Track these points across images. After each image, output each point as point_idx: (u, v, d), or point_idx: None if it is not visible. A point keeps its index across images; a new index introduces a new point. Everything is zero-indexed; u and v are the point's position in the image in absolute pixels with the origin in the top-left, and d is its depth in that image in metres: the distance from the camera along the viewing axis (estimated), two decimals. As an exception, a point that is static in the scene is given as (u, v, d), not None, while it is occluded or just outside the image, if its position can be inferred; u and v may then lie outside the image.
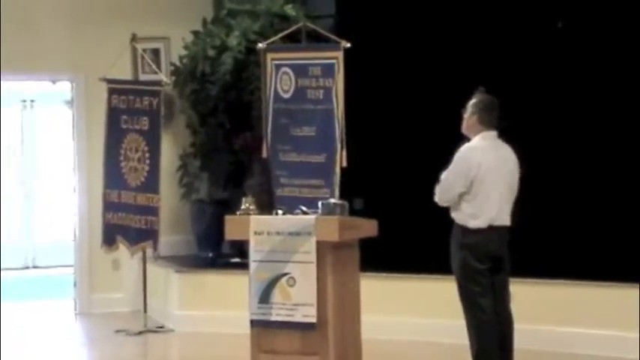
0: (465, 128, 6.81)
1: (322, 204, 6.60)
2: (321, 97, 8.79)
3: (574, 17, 9.24)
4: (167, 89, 10.33)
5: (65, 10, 10.79)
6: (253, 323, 6.56)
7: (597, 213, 8.93)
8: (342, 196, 7.98)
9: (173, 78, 10.68)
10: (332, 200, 6.86)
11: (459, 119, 6.82)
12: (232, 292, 8.93)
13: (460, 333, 6.84)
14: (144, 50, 10.51)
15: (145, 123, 9.78)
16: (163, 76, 10.26)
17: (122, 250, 10.07)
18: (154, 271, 10.18)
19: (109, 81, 10.03)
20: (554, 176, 9.11)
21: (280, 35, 9.32)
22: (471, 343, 6.70)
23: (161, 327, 9.82)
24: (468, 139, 6.75)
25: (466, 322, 6.71)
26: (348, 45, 8.60)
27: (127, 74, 10.33)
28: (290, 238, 6.41)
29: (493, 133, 6.76)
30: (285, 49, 9.15)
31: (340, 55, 8.63)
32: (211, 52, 10.31)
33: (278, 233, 6.46)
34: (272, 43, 9.18)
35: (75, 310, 10.95)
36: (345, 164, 8.61)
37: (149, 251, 9.89)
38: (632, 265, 8.27)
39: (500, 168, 6.68)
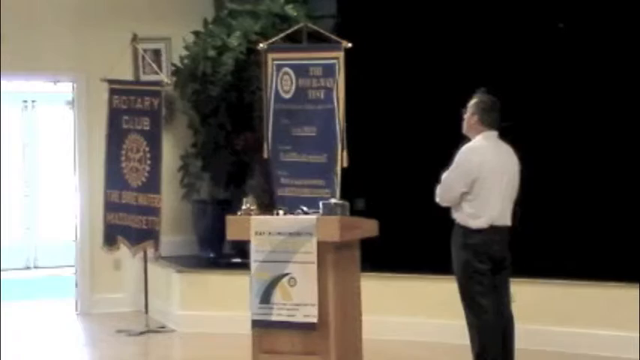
0: (465, 128, 6.81)
1: (323, 204, 6.60)
2: (322, 97, 8.79)
3: (575, 18, 9.24)
4: (168, 89, 10.34)
5: (66, 11, 10.79)
6: (254, 323, 6.56)
7: (597, 213, 8.94)
8: (342, 197, 7.97)
9: (174, 78, 10.68)
10: (333, 200, 6.85)
11: (459, 119, 6.83)
12: (233, 293, 8.93)
13: (461, 333, 6.84)
14: (145, 51, 10.52)
15: (146, 123, 9.78)
16: (164, 77, 10.27)
17: (123, 250, 10.08)
18: (155, 271, 10.18)
19: (110, 81, 10.04)
20: (555, 176, 9.11)
21: (281, 35, 9.33)
22: (473, 343, 6.69)
23: (162, 327, 9.82)
24: (468, 140, 6.75)
25: (467, 323, 6.71)
26: (349, 45, 8.59)
27: (128, 75, 10.34)
28: (291, 238, 6.41)
29: (494, 133, 6.76)
30: (286, 50, 9.14)
31: (341, 55, 8.63)
32: (212, 53, 10.31)
33: (279, 233, 6.47)
34: (273, 43, 9.18)
35: (76, 310, 10.96)
36: (345, 164, 8.61)
37: (150, 251, 9.88)
38: (632, 264, 8.27)
39: (501, 168, 6.69)
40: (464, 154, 6.65)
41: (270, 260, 6.46)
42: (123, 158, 9.89)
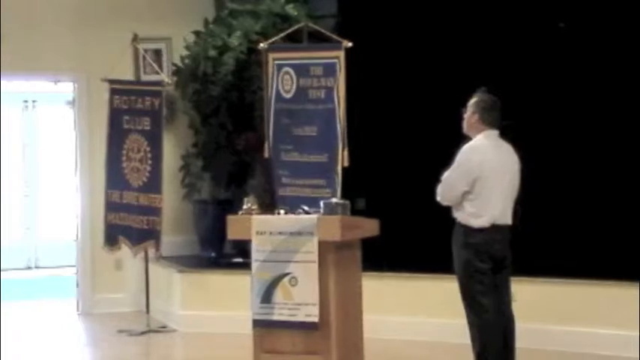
0: (466, 128, 6.81)
1: (324, 204, 6.60)
2: (322, 96, 8.79)
3: (575, 17, 9.24)
4: (169, 89, 10.35)
5: (67, 11, 10.80)
6: (255, 323, 6.55)
7: (597, 212, 8.94)
8: (343, 196, 7.97)
9: (175, 78, 10.69)
10: (334, 200, 6.85)
11: (460, 119, 6.83)
12: (234, 292, 8.94)
13: (462, 332, 6.84)
14: (145, 50, 10.52)
15: (146, 123, 9.79)
16: (165, 77, 10.27)
17: (124, 250, 10.08)
18: (157, 271, 10.19)
19: (111, 81, 10.04)
20: (555, 175, 9.11)
21: (282, 35, 9.32)
22: (474, 342, 6.70)
23: (164, 327, 9.83)
24: (469, 139, 6.75)
25: (468, 322, 6.71)
26: (350, 44, 8.58)
27: (128, 75, 10.34)
28: (292, 237, 6.41)
29: (495, 132, 6.76)
30: (287, 49, 9.14)
31: (342, 54, 8.62)
32: (213, 52, 10.32)
33: (280, 233, 6.47)
34: (273, 43, 9.18)
35: (77, 310, 10.96)
36: (346, 164, 8.60)
37: (151, 251, 9.88)
38: (632, 263, 8.27)
39: (502, 167, 6.69)
40: (465, 153, 6.65)
41: (271, 260, 6.46)
42: (124, 158, 9.89)
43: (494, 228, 6.63)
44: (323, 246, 6.35)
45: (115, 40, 10.31)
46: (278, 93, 8.98)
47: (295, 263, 6.40)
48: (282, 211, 6.70)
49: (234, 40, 10.24)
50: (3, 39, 10.28)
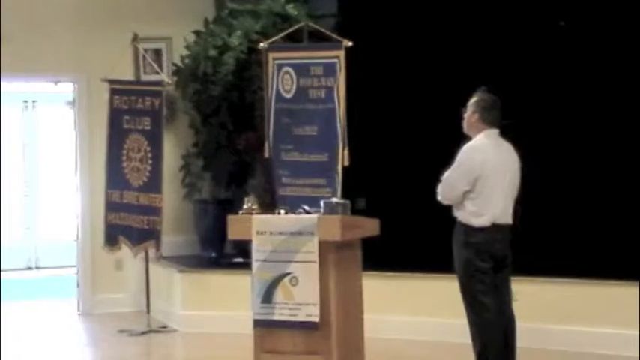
0: (466, 127, 6.81)
1: (324, 203, 6.60)
2: (322, 96, 8.78)
3: (576, 16, 9.24)
4: (169, 89, 10.35)
5: (67, 11, 10.79)
6: (256, 323, 6.55)
7: (598, 211, 8.94)
8: (344, 196, 7.97)
9: (175, 78, 10.69)
10: (334, 199, 6.85)
11: (460, 118, 6.83)
12: (235, 292, 8.94)
13: (463, 332, 6.84)
14: (145, 50, 10.52)
15: (147, 123, 9.78)
16: (165, 77, 10.27)
17: (125, 250, 10.08)
18: (157, 271, 10.19)
19: (111, 81, 10.04)
20: (556, 175, 9.12)
21: (282, 35, 9.32)
22: (474, 341, 6.70)
23: (164, 327, 9.82)
24: (469, 139, 6.75)
25: (469, 321, 6.71)
26: (350, 44, 8.57)
27: (128, 75, 10.34)
28: (292, 237, 6.41)
29: (495, 132, 6.76)
30: (287, 49, 9.14)
31: (342, 54, 8.62)
32: (213, 52, 10.31)
33: (280, 233, 6.46)
34: (274, 42, 9.17)
35: (78, 310, 10.96)
36: (347, 163, 8.60)
37: (152, 251, 9.88)
38: (632, 263, 8.27)
39: (503, 166, 6.69)
40: (466, 152, 6.65)
41: (272, 260, 6.46)
42: (124, 158, 9.89)
43: (495, 227, 6.63)
44: (323, 246, 6.34)
45: (115, 40, 10.31)
46: (278, 93, 8.98)
47: (296, 263, 6.39)
48: (282, 211, 6.70)
49: (235, 40, 10.24)
50: (3, 39, 10.28)
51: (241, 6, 10.60)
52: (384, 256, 8.68)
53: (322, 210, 6.55)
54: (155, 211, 9.65)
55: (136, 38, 10.13)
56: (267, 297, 6.47)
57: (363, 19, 10.10)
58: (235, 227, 6.79)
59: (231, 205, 9.30)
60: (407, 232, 9.15)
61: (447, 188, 6.69)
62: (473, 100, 6.79)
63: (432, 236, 7.86)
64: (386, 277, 8.99)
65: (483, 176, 6.58)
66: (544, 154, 8.87)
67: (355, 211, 6.86)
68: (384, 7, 10.07)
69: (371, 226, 6.83)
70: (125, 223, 9.88)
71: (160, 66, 10.66)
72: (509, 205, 6.73)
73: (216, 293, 9.64)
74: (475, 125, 6.75)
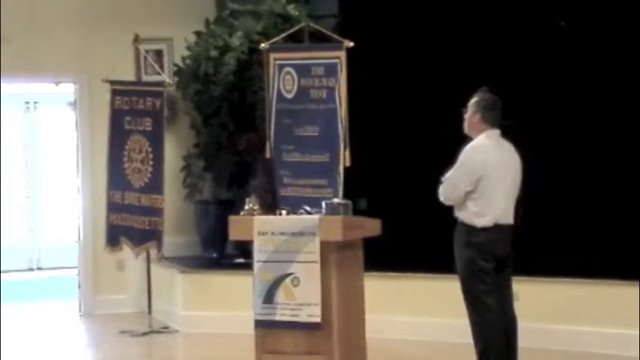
0: (467, 128, 6.80)
1: (326, 204, 6.60)
2: (324, 96, 8.78)
3: (576, 16, 9.24)
4: (170, 90, 10.34)
5: (68, 12, 10.79)
6: (257, 323, 6.55)
7: (599, 211, 8.94)
8: (345, 196, 7.97)
9: (176, 79, 10.69)
10: (335, 200, 6.86)
11: (462, 119, 6.82)
12: (236, 293, 8.94)
13: (464, 332, 6.84)
14: (147, 51, 10.52)
15: (148, 124, 9.78)
16: (166, 77, 10.27)
17: (126, 251, 10.08)
18: (159, 271, 10.19)
19: (112, 82, 10.04)
20: (557, 175, 9.11)
21: (283, 35, 9.31)
22: (476, 342, 6.69)
23: (166, 328, 9.83)
24: (471, 139, 6.75)
25: (470, 321, 6.71)
26: (351, 44, 8.56)
27: (130, 75, 10.33)
28: (294, 238, 6.41)
29: (496, 132, 6.77)
30: (288, 49, 9.13)
31: (343, 54, 8.60)
32: (214, 53, 10.31)
33: (282, 233, 6.46)
34: (275, 43, 9.17)
35: (79, 311, 10.96)
36: (348, 164, 8.59)
37: (153, 252, 9.87)
38: (632, 263, 8.27)
39: (504, 166, 6.69)
40: (468, 152, 6.65)
41: (273, 260, 6.46)
42: (125, 159, 9.89)
43: (497, 227, 6.63)
44: (325, 246, 6.34)
45: (116, 40, 10.31)
46: (279, 93, 8.98)
47: (297, 263, 6.39)
48: (283, 212, 6.70)
49: (236, 41, 10.24)
50: (3, 40, 10.28)
51: (242, 6, 10.60)
52: (386, 256, 8.67)
53: (324, 210, 6.55)
54: (156, 211, 9.65)
55: (137, 39, 10.13)
56: (269, 297, 6.47)
57: (364, 20, 10.10)
58: (237, 228, 6.79)
59: (233, 206, 9.31)
60: (408, 232, 9.15)
61: (449, 188, 6.69)
62: (473, 100, 6.79)
63: (434, 237, 7.85)
64: (387, 278, 8.98)
65: (485, 176, 6.58)
66: (545, 155, 8.87)
67: (356, 212, 6.86)
68: (385, 8, 10.07)
69: (372, 227, 6.82)
70: (127, 224, 9.88)
71: (161, 67, 10.66)
72: (510, 205, 6.73)
73: (217, 294, 9.64)
74: (476, 125, 6.75)
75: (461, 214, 6.70)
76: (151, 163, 9.73)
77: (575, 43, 9.19)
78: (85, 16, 10.81)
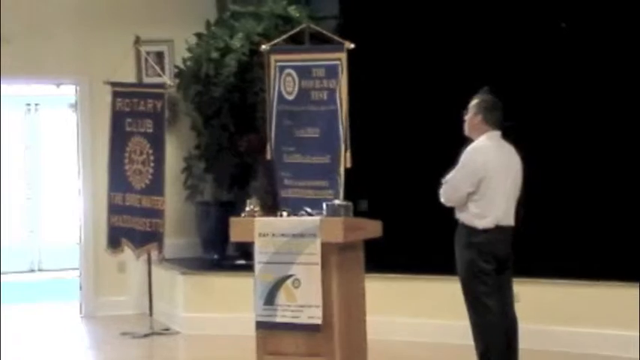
0: (468, 129, 6.80)
1: (327, 205, 6.60)
2: (324, 98, 8.78)
3: (577, 17, 9.24)
4: (171, 92, 10.33)
5: (69, 14, 10.79)
6: (258, 325, 6.56)
7: (599, 213, 8.94)
8: (346, 198, 7.96)
9: (177, 80, 10.69)
10: (336, 201, 6.86)
11: (463, 120, 6.82)
12: (238, 294, 8.93)
13: (465, 333, 6.84)
14: (147, 53, 10.52)
15: (149, 125, 9.78)
16: (167, 79, 10.26)
17: (127, 252, 10.08)
18: (160, 273, 10.19)
19: (113, 84, 10.04)
20: (557, 176, 9.12)
21: (284, 37, 9.32)
22: (477, 343, 6.69)
23: (167, 329, 9.82)
24: (471, 141, 6.75)
25: (471, 323, 6.71)
26: (352, 46, 8.57)
27: (131, 77, 10.33)
28: (295, 239, 6.41)
29: (497, 133, 6.77)
30: (289, 51, 9.14)
31: (344, 56, 8.61)
32: (215, 54, 10.31)
33: (283, 235, 6.47)
34: (275, 44, 9.17)
35: (80, 313, 10.96)
36: (349, 165, 8.60)
37: (154, 254, 9.87)
38: (633, 264, 8.27)
39: (505, 168, 6.69)
40: (469, 154, 6.65)
41: (274, 262, 6.46)
42: (126, 161, 9.89)
43: (498, 229, 6.63)
44: (326, 248, 6.35)
45: (117, 42, 10.31)
46: (280, 94, 8.98)
47: (298, 265, 6.40)
48: (284, 213, 6.70)
49: (236, 42, 10.24)
50: (3, 40, 10.28)
51: (243, 8, 10.60)
52: (387, 258, 8.67)
53: (324, 212, 6.55)
54: (157, 213, 9.65)
55: (138, 41, 10.13)
56: (270, 299, 6.47)
57: (364, 21, 10.11)
58: (237, 229, 6.79)
59: (234, 207, 9.30)
60: (409, 233, 9.15)
61: (451, 190, 6.69)
62: (474, 102, 6.79)
63: (434, 238, 7.86)
64: (388, 279, 8.98)
65: (487, 177, 6.58)
66: (545, 156, 8.87)
67: (357, 213, 6.87)
68: (386, 9, 10.07)
69: (373, 228, 6.83)
70: (128, 226, 9.88)
71: (162, 68, 10.66)
72: (511, 206, 6.73)
73: (218, 295, 9.64)
74: (478, 127, 6.75)
75: (462, 216, 6.70)
76: (151, 164, 9.73)
77: (576, 45, 9.19)
78: (85, 17, 10.81)
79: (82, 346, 9.69)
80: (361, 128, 8.98)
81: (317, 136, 8.85)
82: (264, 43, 9.22)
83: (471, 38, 9.52)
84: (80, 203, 10.98)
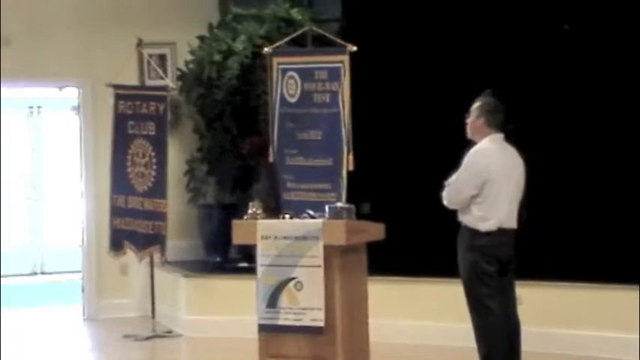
0: (470, 132, 6.79)
1: (329, 208, 6.60)
2: (327, 100, 8.78)
3: (580, 19, 9.24)
4: (173, 94, 10.34)
5: (71, 17, 10.79)
6: (261, 328, 6.56)
7: (601, 216, 8.94)
8: (348, 200, 7.95)
9: (179, 83, 10.69)
10: (339, 204, 6.86)
11: (465, 123, 6.82)
12: (240, 297, 8.93)
13: (467, 336, 6.83)
14: (150, 56, 10.52)
15: (151, 128, 9.79)
16: (170, 82, 10.27)
17: (130, 255, 10.08)
18: (162, 276, 10.19)
19: (116, 87, 10.05)
20: (559, 179, 9.11)
21: (286, 39, 9.32)
22: (479, 345, 6.69)
23: (169, 332, 9.82)
24: (474, 144, 6.74)
25: (473, 325, 6.70)
26: (354, 48, 8.57)
27: (133, 80, 10.35)
28: (297, 242, 6.42)
29: (500, 136, 6.77)
30: (291, 53, 9.14)
31: (346, 58, 8.61)
32: (217, 57, 10.31)
33: (285, 237, 6.47)
34: (278, 47, 9.17)
35: (83, 315, 10.95)
36: (351, 168, 8.60)
37: (157, 256, 9.88)
38: (634, 267, 8.26)
39: (508, 171, 6.69)
40: (472, 156, 6.65)
41: (277, 264, 6.47)
42: (129, 163, 9.90)
43: (501, 231, 6.63)
44: (328, 250, 6.35)
45: (120, 45, 10.32)
46: (282, 97, 8.98)
47: (301, 268, 6.40)
48: (287, 216, 6.72)
49: (239, 45, 10.24)
50: (3, 42, 10.28)
51: (245, 10, 10.60)
52: (389, 260, 8.67)
53: (327, 214, 6.56)
54: (160, 216, 9.66)
55: (140, 43, 10.14)
56: (272, 302, 6.48)
57: (367, 24, 10.11)
58: (240, 232, 6.80)
59: (236, 210, 9.30)
60: (412, 236, 9.15)
61: (454, 192, 6.68)
62: (476, 104, 6.79)
63: (437, 241, 7.86)
64: (391, 282, 8.98)
65: (490, 180, 6.58)
66: (547, 159, 8.86)
67: (360, 216, 6.87)
68: (389, 12, 10.07)
69: (376, 231, 6.83)
70: (130, 228, 9.89)
71: (165, 71, 10.66)
72: (514, 209, 6.73)
73: (221, 298, 9.64)
74: (480, 129, 6.74)
75: (465, 219, 6.69)
76: (154, 167, 9.74)
77: (579, 47, 9.19)
78: (88, 19, 10.81)
79: (84, 349, 9.70)
80: (364, 131, 8.98)
81: (319, 138, 8.85)
82: (266, 46, 9.23)
83: (473, 41, 9.52)
84: (83, 206, 10.98)
